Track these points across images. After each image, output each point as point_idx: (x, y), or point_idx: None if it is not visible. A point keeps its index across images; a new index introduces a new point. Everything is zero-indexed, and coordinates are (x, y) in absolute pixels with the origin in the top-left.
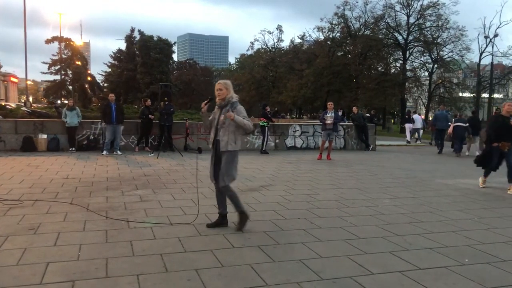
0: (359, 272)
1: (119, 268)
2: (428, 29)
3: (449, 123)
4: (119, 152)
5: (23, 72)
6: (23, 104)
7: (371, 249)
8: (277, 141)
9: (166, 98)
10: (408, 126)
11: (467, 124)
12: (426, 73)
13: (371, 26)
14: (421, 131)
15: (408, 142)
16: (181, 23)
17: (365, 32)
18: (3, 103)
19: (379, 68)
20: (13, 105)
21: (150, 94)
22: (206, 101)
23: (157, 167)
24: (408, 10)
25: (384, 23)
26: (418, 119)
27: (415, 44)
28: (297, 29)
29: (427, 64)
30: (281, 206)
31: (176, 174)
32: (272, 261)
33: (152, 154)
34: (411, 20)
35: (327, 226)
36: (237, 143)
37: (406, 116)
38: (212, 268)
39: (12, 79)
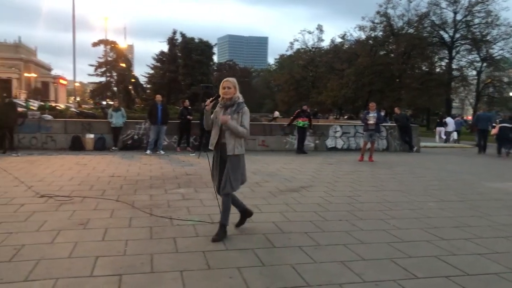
0: (403, 276)
1: (163, 264)
2: (476, 26)
3: (493, 124)
4: (162, 152)
5: (71, 74)
6: (75, 105)
7: (415, 252)
8: (317, 141)
9: (206, 99)
10: (439, 129)
11: None
12: (474, 72)
13: (415, 24)
14: (455, 133)
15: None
16: (220, 24)
17: (409, 31)
18: (53, 104)
19: (423, 67)
20: (62, 106)
21: (191, 95)
22: (212, 98)
23: (199, 166)
24: (455, 7)
25: (429, 21)
26: (451, 122)
27: (462, 42)
28: (336, 28)
29: (475, 63)
30: (321, 207)
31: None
32: (314, 262)
33: (194, 154)
34: (458, 17)
35: (370, 229)
36: (243, 146)
37: (438, 120)
38: (253, 267)
39: (61, 81)
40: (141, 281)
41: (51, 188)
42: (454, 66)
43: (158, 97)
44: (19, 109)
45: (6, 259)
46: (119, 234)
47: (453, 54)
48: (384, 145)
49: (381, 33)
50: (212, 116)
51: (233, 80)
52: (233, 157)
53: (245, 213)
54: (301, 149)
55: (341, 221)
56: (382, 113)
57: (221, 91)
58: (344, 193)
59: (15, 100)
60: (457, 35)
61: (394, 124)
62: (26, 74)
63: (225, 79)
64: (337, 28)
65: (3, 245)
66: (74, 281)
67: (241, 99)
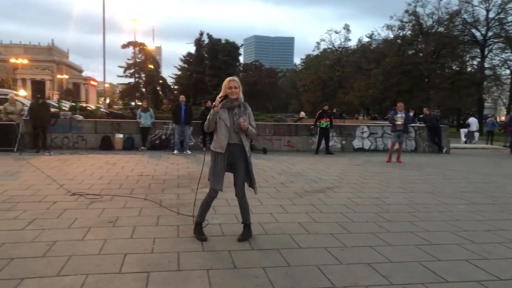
0: (432, 279)
1: (190, 262)
2: (510, 24)
3: None
4: (188, 152)
5: (101, 76)
6: (105, 106)
7: (445, 256)
8: (343, 142)
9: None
10: (463, 130)
11: None
12: (508, 71)
13: (445, 22)
14: (477, 134)
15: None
16: (246, 25)
17: (438, 29)
18: (84, 105)
19: (454, 67)
20: (93, 107)
21: (215, 96)
22: (222, 98)
23: None
24: (487, 4)
25: (460, 19)
26: (474, 122)
27: (495, 41)
28: (363, 28)
29: (508, 62)
30: (348, 208)
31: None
32: (340, 263)
33: None
34: (491, 14)
35: (397, 231)
36: None
37: (461, 122)
38: (279, 267)
39: (92, 82)
40: (168, 278)
41: (81, 186)
42: (486, 65)
43: (182, 98)
44: (52, 109)
45: (39, 255)
46: (147, 232)
47: (486, 52)
48: (412, 146)
49: (409, 32)
50: (212, 115)
51: (238, 79)
52: (249, 158)
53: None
54: (327, 150)
55: (367, 223)
56: (411, 114)
57: (227, 91)
58: (371, 195)
59: (48, 101)
60: (490, 33)
61: (423, 125)
62: (58, 76)
63: (231, 79)
64: (364, 28)
65: (36, 241)
66: (103, 277)
67: (243, 99)
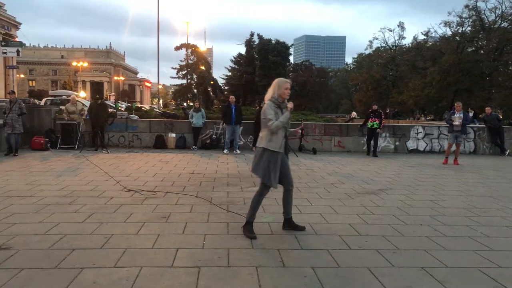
0: (491, 286)
1: (239, 259)
2: None
3: None
4: (238, 151)
5: (155, 77)
6: (158, 106)
7: (507, 263)
8: (397, 143)
9: None
10: None
11: None
12: None
13: (510, 17)
14: None
15: None
16: (297, 25)
17: (502, 25)
18: (139, 105)
19: None
20: (147, 107)
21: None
22: (289, 102)
23: None
24: None
25: None
26: None
27: None
28: (415, 25)
29: None
30: (401, 211)
31: (292, 173)
32: (392, 266)
33: None
34: None
35: (454, 235)
36: None
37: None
38: (328, 268)
39: (146, 83)
40: (218, 274)
41: (136, 183)
42: None
43: (232, 98)
44: (109, 109)
45: (98, 247)
46: (198, 228)
47: None
48: (471, 148)
49: (469, 28)
50: (273, 115)
51: None
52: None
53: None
54: (373, 152)
55: (422, 226)
56: (471, 114)
57: (284, 92)
58: (426, 197)
59: (105, 102)
60: None
61: (483, 126)
62: (115, 78)
63: (287, 80)
64: (416, 25)
65: (95, 233)
66: (156, 270)
67: None
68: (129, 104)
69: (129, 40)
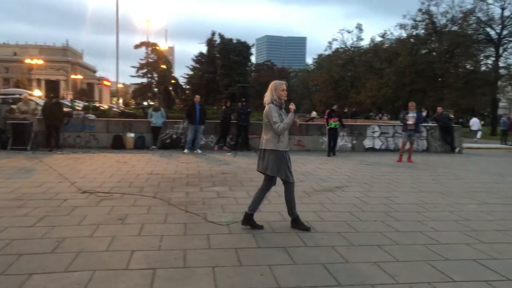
0: (439, 279)
1: (196, 259)
2: None
3: None
4: (199, 151)
5: (114, 76)
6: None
7: (453, 255)
8: (354, 142)
9: (243, 99)
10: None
11: None
12: None
13: (459, 21)
14: (479, 133)
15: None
16: (258, 25)
17: (452, 28)
18: (97, 104)
19: (468, 66)
20: (106, 106)
21: (229, 96)
22: (291, 104)
23: (234, 165)
24: (502, 2)
25: (474, 17)
26: (475, 122)
27: (510, 39)
28: (372, 26)
29: None
30: (356, 207)
31: (252, 172)
32: (346, 262)
33: (230, 153)
34: (506, 13)
35: (406, 230)
36: None
37: (458, 121)
38: (284, 265)
39: (105, 82)
40: (174, 275)
41: (92, 184)
42: (501, 64)
43: (197, 98)
44: (65, 109)
45: (48, 251)
46: (155, 229)
47: (500, 51)
48: (424, 146)
49: (423, 31)
50: (278, 117)
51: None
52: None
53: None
54: (332, 151)
55: (376, 222)
56: (424, 113)
57: (281, 94)
58: (380, 194)
59: (61, 101)
60: (505, 32)
61: (435, 124)
62: (72, 76)
63: (282, 82)
64: (373, 26)
65: (46, 237)
66: (110, 273)
67: None
68: (86, 103)
69: (87, 38)
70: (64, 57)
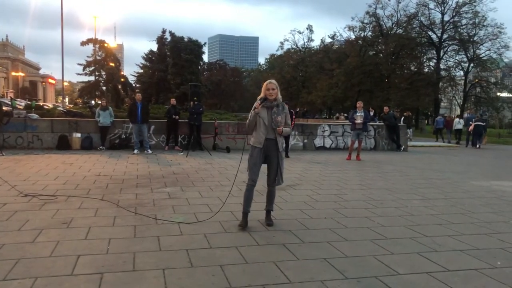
0: (385, 272)
1: (145, 262)
2: (464, 27)
3: (470, 122)
4: (149, 151)
5: (59, 74)
6: (63, 105)
7: (398, 249)
8: (305, 141)
9: (195, 98)
10: None
11: (485, 123)
12: (461, 73)
13: (404, 24)
14: (409, 131)
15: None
16: (210, 24)
17: (398, 31)
18: (40, 103)
19: (412, 68)
20: (50, 105)
21: (181, 94)
22: (261, 102)
23: (186, 165)
24: (442, 8)
25: (417, 21)
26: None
27: (450, 43)
28: (322, 27)
29: (462, 63)
30: (307, 205)
31: (205, 172)
32: (297, 259)
33: (182, 153)
34: (446, 18)
35: (354, 226)
36: None
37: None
38: (236, 265)
39: (50, 80)
40: (123, 279)
41: (35, 187)
42: (442, 66)
43: (138, 96)
44: (5, 108)
45: None
46: (103, 232)
47: (441, 54)
48: (371, 144)
49: (370, 33)
50: (253, 116)
51: (275, 82)
52: (281, 153)
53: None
54: (285, 153)
55: (326, 219)
56: (371, 113)
57: (266, 93)
58: (330, 192)
59: (0, 99)
60: (445, 36)
61: (382, 123)
62: (13, 73)
63: (269, 81)
64: (322, 27)
65: None
66: (54, 280)
67: (281, 99)
68: (28, 102)
69: (30, 33)
70: (4, 53)
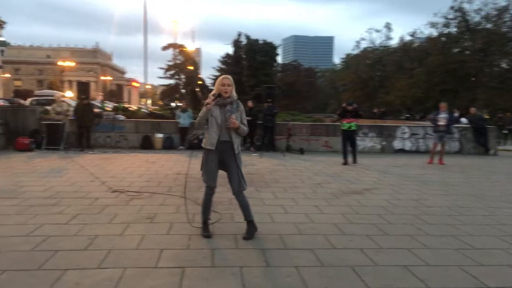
0: (472, 284)
1: (224, 259)
2: None
3: None
4: None
5: (143, 77)
6: (146, 106)
7: (488, 261)
8: (383, 143)
9: (269, 100)
10: None
11: None
12: None
13: (494, 19)
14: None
15: None
16: (285, 25)
17: (486, 26)
18: (126, 105)
19: (503, 65)
20: (135, 107)
21: (255, 96)
22: (215, 97)
23: (260, 166)
24: None
25: (508, 15)
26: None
27: None
28: (398, 25)
29: None
30: (386, 210)
31: (278, 173)
32: (375, 265)
33: (256, 154)
34: None
35: (437, 234)
36: None
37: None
38: (312, 267)
39: (134, 83)
40: (202, 274)
41: (122, 184)
42: None
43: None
44: (96, 110)
45: (82, 248)
46: (183, 228)
47: None
48: (456, 148)
49: (455, 29)
50: (204, 112)
51: (231, 78)
52: (238, 155)
53: (253, 225)
54: (352, 158)
55: (405, 225)
56: (456, 114)
57: (220, 89)
58: (410, 197)
59: (92, 102)
60: None
61: (468, 125)
62: (102, 77)
63: (224, 76)
64: (399, 25)
65: (79, 234)
66: (140, 271)
67: (236, 97)
68: (116, 104)
69: (116, 40)
70: (94, 58)
